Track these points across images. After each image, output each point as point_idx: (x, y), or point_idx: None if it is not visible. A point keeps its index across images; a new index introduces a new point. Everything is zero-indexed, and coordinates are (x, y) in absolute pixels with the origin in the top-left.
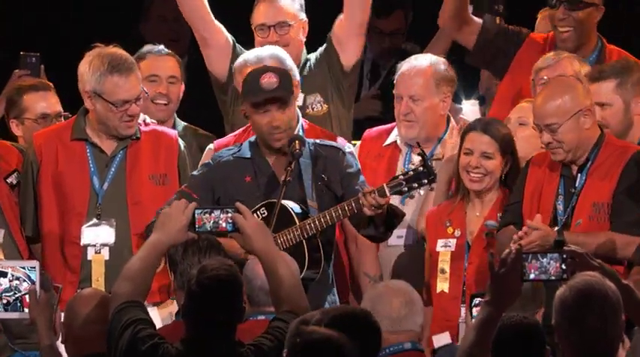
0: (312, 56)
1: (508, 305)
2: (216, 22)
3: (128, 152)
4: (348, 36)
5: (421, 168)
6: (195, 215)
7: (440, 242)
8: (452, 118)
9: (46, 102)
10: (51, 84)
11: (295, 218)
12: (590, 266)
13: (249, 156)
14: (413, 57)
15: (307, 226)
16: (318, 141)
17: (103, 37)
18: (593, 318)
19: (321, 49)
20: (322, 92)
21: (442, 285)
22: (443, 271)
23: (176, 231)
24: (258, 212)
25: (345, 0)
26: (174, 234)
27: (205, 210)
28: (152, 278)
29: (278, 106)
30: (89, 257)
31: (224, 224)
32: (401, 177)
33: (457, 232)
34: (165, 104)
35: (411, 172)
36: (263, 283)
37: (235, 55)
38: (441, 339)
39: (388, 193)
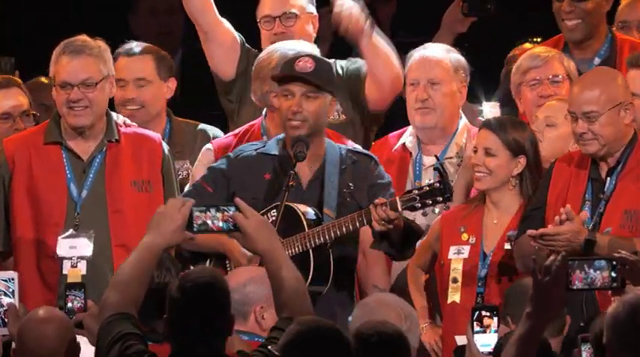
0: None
1: (552, 317)
2: (221, 19)
3: (107, 156)
4: (381, 100)
5: (437, 184)
6: (193, 214)
7: (452, 249)
8: (464, 116)
9: (7, 100)
10: (17, 80)
11: (305, 225)
12: None
13: (274, 153)
14: (425, 45)
15: (315, 235)
16: (350, 147)
17: (103, 37)
18: None
19: (346, 69)
20: (341, 102)
21: (454, 295)
22: (455, 281)
23: (171, 231)
24: (268, 214)
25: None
26: (169, 235)
27: (202, 208)
28: (146, 285)
29: (304, 91)
30: (65, 271)
31: (222, 224)
32: (415, 191)
33: (472, 239)
34: (136, 109)
35: (427, 188)
36: (235, 301)
37: (244, 55)
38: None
39: (400, 208)
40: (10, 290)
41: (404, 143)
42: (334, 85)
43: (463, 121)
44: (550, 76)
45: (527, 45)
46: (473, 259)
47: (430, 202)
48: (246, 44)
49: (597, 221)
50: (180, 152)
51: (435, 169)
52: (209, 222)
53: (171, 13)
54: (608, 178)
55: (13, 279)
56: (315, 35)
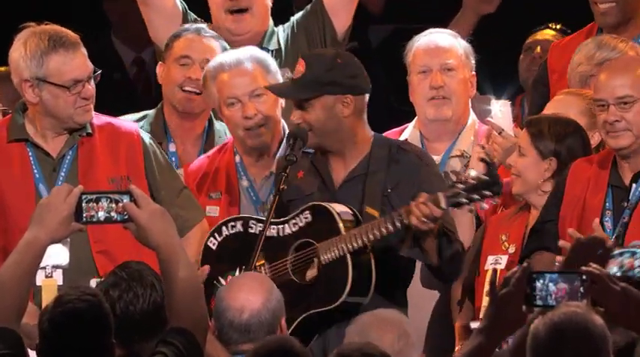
0: (282, 28)
1: (506, 336)
2: None
3: (80, 152)
4: (344, 2)
5: (484, 176)
6: (82, 204)
7: (490, 259)
8: (472, 112)
9: None
10: None
11: (341, 226)
12: (610, 291)
13: (309, 150)
14: (429, 30)
15: (351, 238)
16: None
17: (78, 25)
18: (567, 355)
19: (297, 19)
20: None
21: None
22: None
23: (56, 224)
24: (300, 216)
25: None
26: (54, 228)
27: (93, 197)
28: (29, 289)
29: (297, 104)
30: (38, 282)
31: (115, 215)
32: (460, 186)
33: (511, 249)
34: (197, 93)
35: (473, 181)
36: (234, 317)
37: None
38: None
39: (444, 205)
40: None
41: (406, 139)
42: (335, 80)
43: (472, 118)
44: None
45: (547, 31)
46: (510, 269)
47: (478, 197)
48: (190, 13)
49: (621, 232)
50: None
51: (481, 160)
52: (100, 213)
53: None
54: (634, 185)
55: None
56: (270, 5)
